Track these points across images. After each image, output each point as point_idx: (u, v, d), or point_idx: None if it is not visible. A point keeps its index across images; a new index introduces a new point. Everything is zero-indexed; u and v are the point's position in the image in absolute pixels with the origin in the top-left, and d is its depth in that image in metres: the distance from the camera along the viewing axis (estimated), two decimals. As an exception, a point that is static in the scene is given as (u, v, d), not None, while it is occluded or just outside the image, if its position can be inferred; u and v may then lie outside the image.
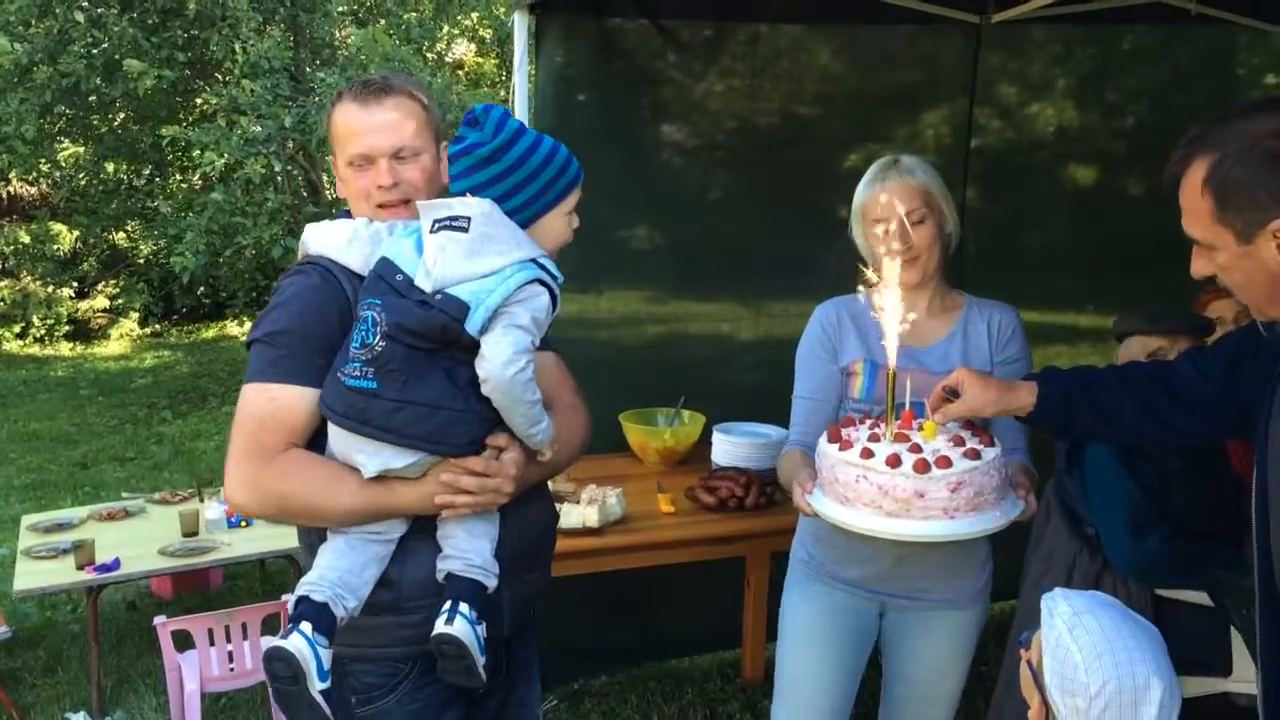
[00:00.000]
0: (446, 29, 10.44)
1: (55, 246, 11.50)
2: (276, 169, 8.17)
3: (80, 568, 3.61)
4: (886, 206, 2.07)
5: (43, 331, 12.01)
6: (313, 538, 1.68)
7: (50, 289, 11.75)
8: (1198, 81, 4.00)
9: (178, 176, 10.37)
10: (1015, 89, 3.91)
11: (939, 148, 3.76)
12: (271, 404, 1.59)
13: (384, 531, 1.63)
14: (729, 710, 3.61)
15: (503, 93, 9.43)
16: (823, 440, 1.90)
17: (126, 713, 3.75)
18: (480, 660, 1.58)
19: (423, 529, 1.66)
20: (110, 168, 10.29)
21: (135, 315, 12.44)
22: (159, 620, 3.30)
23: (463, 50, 11.44)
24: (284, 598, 3.34)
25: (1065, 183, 4.03)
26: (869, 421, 1.92)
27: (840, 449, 1.83)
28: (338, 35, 9.47)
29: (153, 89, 7.75)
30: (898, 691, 2.32)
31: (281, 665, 1.48)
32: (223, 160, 7.54)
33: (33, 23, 7.88)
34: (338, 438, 1.59)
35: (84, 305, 12.40)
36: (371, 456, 1.56)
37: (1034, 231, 4.02)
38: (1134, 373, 1.85)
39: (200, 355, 11.41)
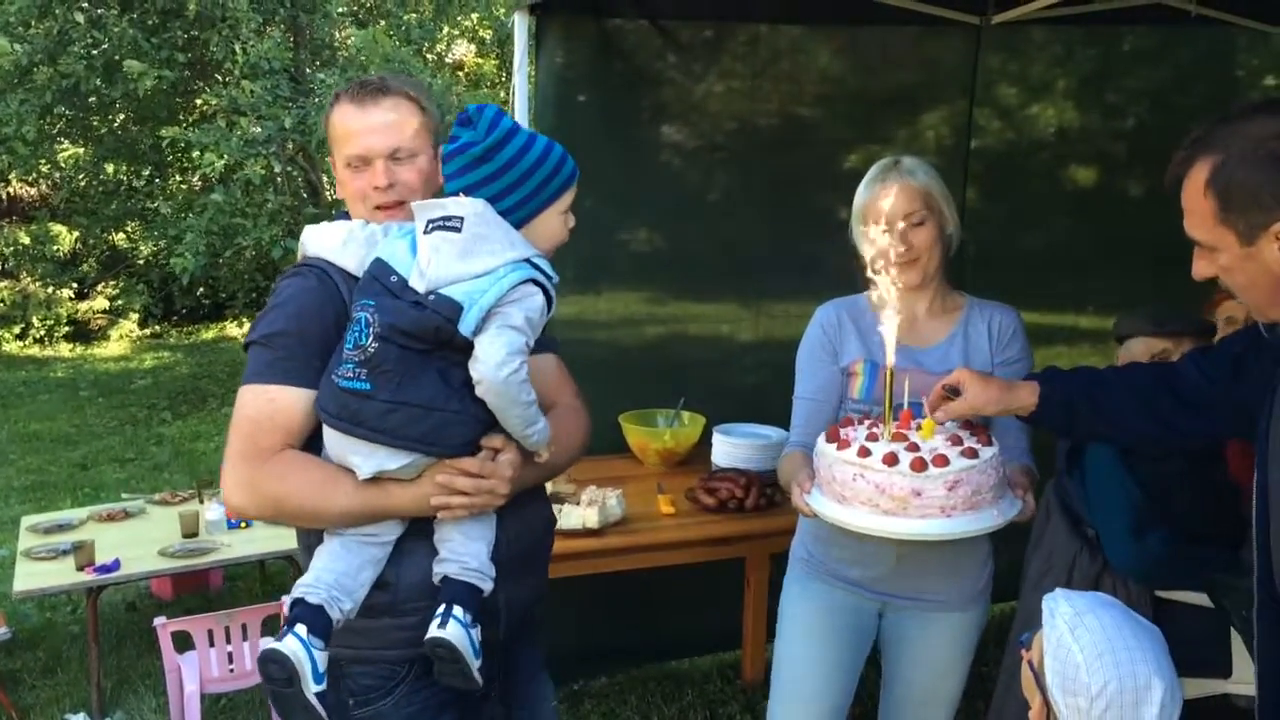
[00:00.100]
0: (446, 30, 10.45)
1: (55, 247, 11.51)
2: (276, 170, 8.18)
3: (80, 569, 3.60)
4: (887, 207, 2.06)
5: (42, 332, 12.01)
6: (312, 539, 1.68)
7: (50, 290, 11.75)
8: (1198, 83, 4.00)
9: (177, 177, 10.37)
10: (1015, 90, 3.91)
11: (939, 149, 3.76)
12: (269, 405, 1.59)
13: (380, 534, 1.63)
14: (729, 711, 3.60)
15: (503, 94, 9.43)
16: (820, 440, 1.90)
17: (126, 714, 3.74)
18: (475, 664, 1.57)
19: (420, 531, 1.66)
20: (110, 169, 10.29)
21: (135, 316, 12.44)
22: (159, 621, 3.30)
23: (463, 51, 11.45)
24: (284, 599, 3.33)
25: (1065, 184, 4.03)
26: (867, 422, 1.92)
27: (838, 448, 1.83)
28: (338, 36, 9.47)
29: (152, 90, 7.76)
30: (897, 693, 2.31)
31: (276, 667, 1.48)
32: (222, 161, 7.54)
33: (32, 23, 7.88)
34: (333, 439, 1.59)
35: (84, 306, 12.41)
36: (366, 458, 1.56)
37: (1034, 232, 4.01)
38: (1137, 374, 1.85)
39: (200, 356, 11.41)
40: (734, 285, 3.71)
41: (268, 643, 1.53)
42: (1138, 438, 1.90)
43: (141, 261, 11.86)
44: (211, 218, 7.74)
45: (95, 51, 7.80)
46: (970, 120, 3.80)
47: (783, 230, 3.58)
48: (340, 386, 1.54)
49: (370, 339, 1.53)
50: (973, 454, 1.76)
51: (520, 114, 3.23)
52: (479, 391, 1.54)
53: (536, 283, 1.58)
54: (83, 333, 12.36)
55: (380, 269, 1.59)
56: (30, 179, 11.13)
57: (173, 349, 11.94)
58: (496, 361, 1.52)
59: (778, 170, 3.59)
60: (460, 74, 10.91)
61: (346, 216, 1.79)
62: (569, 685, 3.70)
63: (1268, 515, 1.43)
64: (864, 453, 1.78)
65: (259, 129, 7.53)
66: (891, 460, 1.75)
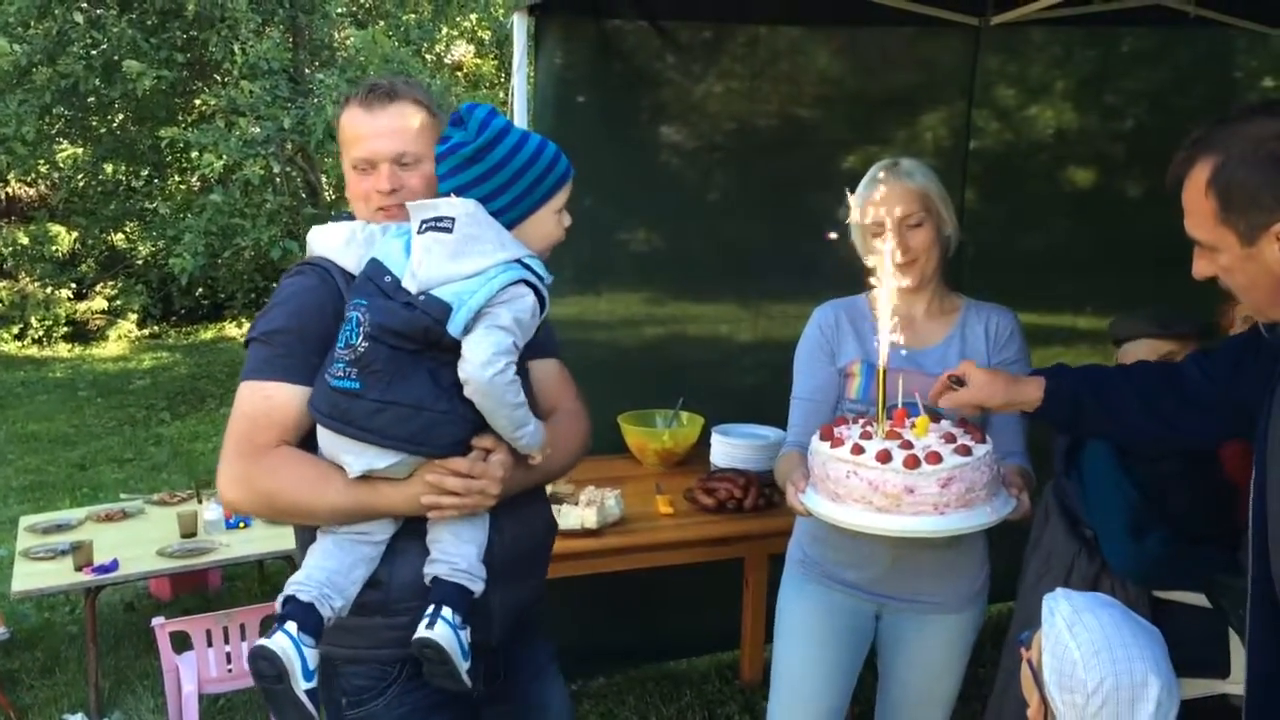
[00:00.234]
0: (445, 30, 10.46)
1: (54, 248, 11.50)
2: (275, 170, 8.19)
3: (78, 569, 3.60)
4: (885, 209, 2.07)
5: (41, 333, 12.00)
6: (309, 538, 1.68)
7: (49, 290, 11.74)
8: (1197, 84, 4.00)
9: (176, 178, 10.38)
10: (1014, 91, 3.91)
11: (938, 150, 3.76)
12: (266, 402, 1.60)
13: (372, 533, 1.63)
14: (727, 712, 3.60)
15: (502, 94, 9.43)
16: (815, 438, 1.90)
17: (124, 714, 3.74)
18: (463, 666, 1.57)
19: (413, 531, 1.66)
20: (109, 169, 10.30)
21: (134, 316, 12.43)
22: (157, 621, 3.30)
23: (462, 52, 11.45)
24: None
25: (1064, 185, 4.03)
26: (862, 421, 1.92)
27: (832, 446, 1.83)
28: (337, 36, 9.48)
29: (151, 90, 7.76)
30: (894, 694, 2.31)
31: (266, 664, 1.49)
32: (221, 161, 7.55)
33: (32, 24, 7.89)
34: (325, 438, 1.60)
35: (82, 306, 12.39)
36: (356, 456, 1.56)
37: (1033, 233, 4.02)
38: (1141, 373, 1.86)
39: (199, 356, 11.41)
40: (733, 286, 3.71)
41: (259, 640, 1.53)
42: (1141, 436, 1.90)
43: (140, 262, 11.86)
44: (210, 218, 7.75)
45: (94, 52, 7.81)
46: (969, 121, 3.80)
47: (782, 231, 3.58)
48: (331, 385, 1.55)
49: (361, 338, 1.54)
50: (966, 451, 1.76)
51: (519, 115, 3.23)
52: (467, 392, 1.55)
53: (528, 283, 1.58)
54: (81, 333, 12.35)
55: (375, 269, 1.59)
56: (29, 179, 11.14)
57: (171, 349, 11.94)
58: (482, 361, 1.52)
59: (777, 171, 3.59)
60: (459, 75, 10.93)
61: (349, 216, 1.80)
62: (567, 685, 3.68)
63: (1265, 514, 1.43)
64: (857, 450, 1.78)
65: (258, 129, 7.53)
66: (885, 457, 1.75)
